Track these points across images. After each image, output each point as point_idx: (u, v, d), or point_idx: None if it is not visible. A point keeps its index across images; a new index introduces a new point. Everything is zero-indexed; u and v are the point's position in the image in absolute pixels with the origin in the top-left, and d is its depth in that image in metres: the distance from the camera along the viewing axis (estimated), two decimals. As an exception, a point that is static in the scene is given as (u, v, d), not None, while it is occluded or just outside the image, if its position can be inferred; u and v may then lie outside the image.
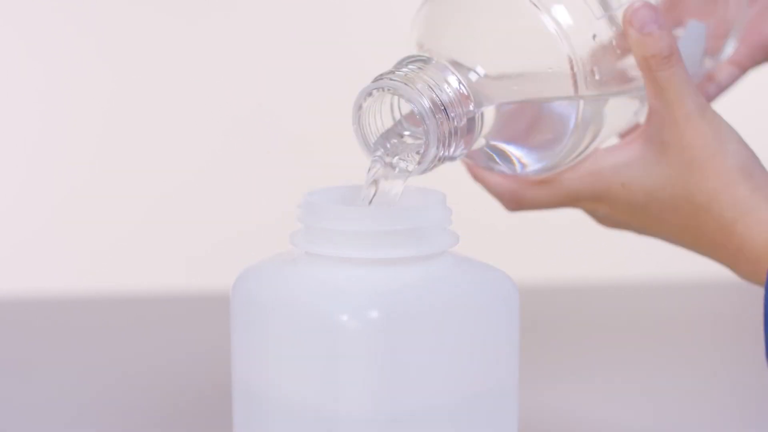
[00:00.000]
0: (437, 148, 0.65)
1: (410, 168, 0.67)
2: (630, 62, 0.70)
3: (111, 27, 1.34)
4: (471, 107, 0.67)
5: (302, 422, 0.63)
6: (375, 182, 0.67)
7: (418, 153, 0.66)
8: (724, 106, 0.73)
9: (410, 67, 0.67)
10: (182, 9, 1.35)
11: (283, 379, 0.64)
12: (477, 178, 0.76)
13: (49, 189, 1.36)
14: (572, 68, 0.67)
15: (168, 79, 1.36)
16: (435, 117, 0.65)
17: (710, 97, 0.80)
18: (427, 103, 0.65)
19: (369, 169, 0.67)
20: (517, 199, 0.74)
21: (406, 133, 0.68)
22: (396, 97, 0.67)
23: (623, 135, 0.76)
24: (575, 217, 1.31)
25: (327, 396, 0.62)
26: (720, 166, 0.68)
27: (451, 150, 0.66)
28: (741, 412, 0.95)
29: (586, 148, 0.70)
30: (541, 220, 1.34)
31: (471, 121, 0.67)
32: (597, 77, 0.68)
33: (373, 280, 0.63)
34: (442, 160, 0.67)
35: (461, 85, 0.67)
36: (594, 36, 0.68)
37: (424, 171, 0.66)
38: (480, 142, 0.69)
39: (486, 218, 1.29)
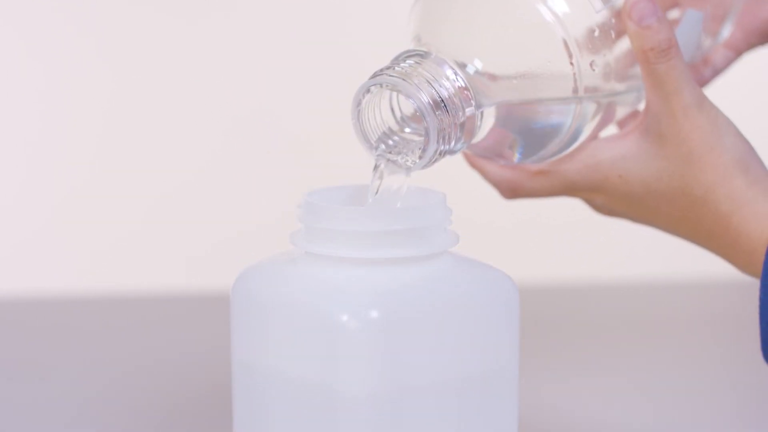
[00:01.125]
0: (438, 143, 0.65)
1: (412, 164, 0.67)
2: (630, 56, 0.70)
3: (111, 27, 1.34)
4: (471, 103, 0.67)
5: (302, 422, 0.63)
6: (380, 180, 0.67)
7: (419, 149, 0.66)
8: (723, 100, 0.73)
9: (408, 62, 0.67)
10: (182, 9, 1.35)
11: (283, 379, 0.64)
12: (474, 165, 0.76)
13: (49, 189, 1.36)
14: (571, 61, 0.67)
15: (168, 79, 1.36)
16: (434, 112, 0.65)
17: (705, 80, 0.81)
18: (426, 99, 0.65)
19: (374, 168, 0.67)
20: (514, 188, 0.74)
21: (407, 129, 0.68)
22: (395, 92, 0.67)
23: (621, 122, 0.76)
24: (575, 217, 1.31)
25: (327, 396, 0.62)
26: (717, 160, 0.68)
27: (452, 144, 0.66)
28: (741, 412, 0.95)
29: (583, 138, 0.71)
30: (541, 220, 1.34)
31: (471, 117, 0.67)
32: (595, 70, 0.68)
33: (373, 280, 0.63)
34: (443, 154, 0.67)
35: (459, 79, 0.66)
36: (594, 30, 0.68)
37: (426, 166, 0.66)
38: (489, 122, 0.69)
39: (486, 218, 1.29)
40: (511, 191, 0.75)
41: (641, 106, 0.72)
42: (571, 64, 0.67)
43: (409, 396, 0.62)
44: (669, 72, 0.68)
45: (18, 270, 1.33)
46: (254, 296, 0.65)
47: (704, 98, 0.69)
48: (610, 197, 0.72)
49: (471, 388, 0.64)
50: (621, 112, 0.73)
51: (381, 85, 0.66)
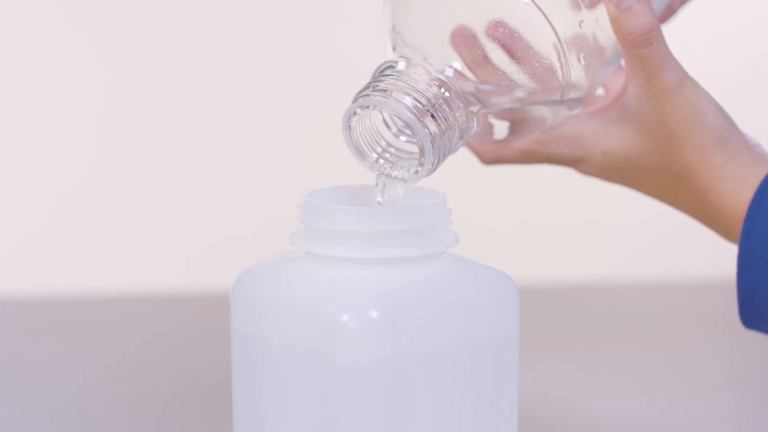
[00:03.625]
0: (433, 151, 0.65)
1: (414, 174, 0.66)
2: (615, 46, 0.69)
3: (111, 28, 1.34)
4: (460, 105, 0.66)
5: (302, 424, 0.63)
6: (383, 192, 0.67)
7: (418, 158, 0.66)
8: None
9: (388, 74, 0.66)
10: (182, 10, 1.35)
11: (282, 379, 0.64)
12: None
13: (49, 189, 1.36)
14: (559, 58, 0.67)
15: (168, 80, 1.36)
16: (423, 124, 0.64)
17: (674, 10, 0.82)
18: (412, 112, 0.64)
19: (376, 184, 0.67)
20: (496, 157, 0.75)
21: (403, 138, 0.67)
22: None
23: (605, 84, 0.77)
24: (575, 217, 1.31)
25: (326, 396, 0.62)
26: (697, 139, 0.70)
27: (449, 147, 0.66)
28: (740, 411, 0.95)
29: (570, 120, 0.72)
30: (540, 220, 1.35)
31: (462, 119, 0.66)
32: (582, 62, 0.68)
33: (373, 280, 0.63)
34: (443, 157, 0.66)
35: (443, 83, 0.66)
36: (580, 23, 0.68)
37: (429, 173, 0.66)
38: (481, 117, 0.68)
39: (486, 218, 1.29)
40: (492, 160, 0.76)
41: (624, 62, 0.72)
42: (560, 61, 0.67)
43: (409, 395, 0.62)
44: (649, 56, 0.68)
45: (18, 270, 1.33)
46: (254, 296, 0.65)
47: (685, 78, 0.70)
48: (592, 168, 0.74)
49: (470, 388, 0.64)
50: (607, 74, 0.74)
51: (366, 107, 0.65)
